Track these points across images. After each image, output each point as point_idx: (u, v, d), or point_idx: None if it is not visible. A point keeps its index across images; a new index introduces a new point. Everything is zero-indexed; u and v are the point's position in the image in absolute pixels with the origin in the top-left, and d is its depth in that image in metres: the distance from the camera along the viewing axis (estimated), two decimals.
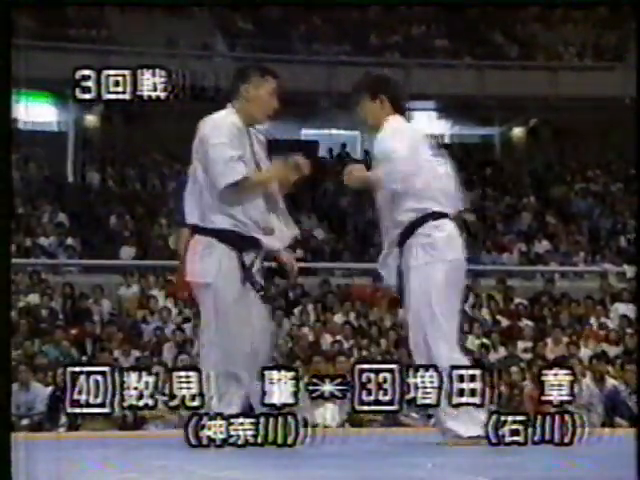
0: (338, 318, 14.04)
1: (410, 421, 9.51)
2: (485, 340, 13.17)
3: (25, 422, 9.65)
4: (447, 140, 25.27)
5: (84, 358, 11.16)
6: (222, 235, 4.74)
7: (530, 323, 14.28)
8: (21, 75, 23.49)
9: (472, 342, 13.09)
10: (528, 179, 22.20)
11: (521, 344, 13.35)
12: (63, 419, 9.68)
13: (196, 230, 4.81)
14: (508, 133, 24.00)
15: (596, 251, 18.87)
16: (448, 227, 5.10)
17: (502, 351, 13.02)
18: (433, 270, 4.99)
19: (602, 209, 20.58)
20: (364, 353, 12.49)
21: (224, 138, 4.76)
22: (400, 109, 5.18)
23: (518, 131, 23.91)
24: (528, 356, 12.66)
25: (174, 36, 22.09)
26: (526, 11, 23.87)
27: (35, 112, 22.44)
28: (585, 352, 12.70)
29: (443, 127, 25.17)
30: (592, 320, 14.66)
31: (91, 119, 21.89)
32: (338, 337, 13.02)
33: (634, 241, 17.22)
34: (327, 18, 23.97)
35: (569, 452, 4.39)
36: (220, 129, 4.78)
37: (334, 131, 22.41)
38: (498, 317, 14.46)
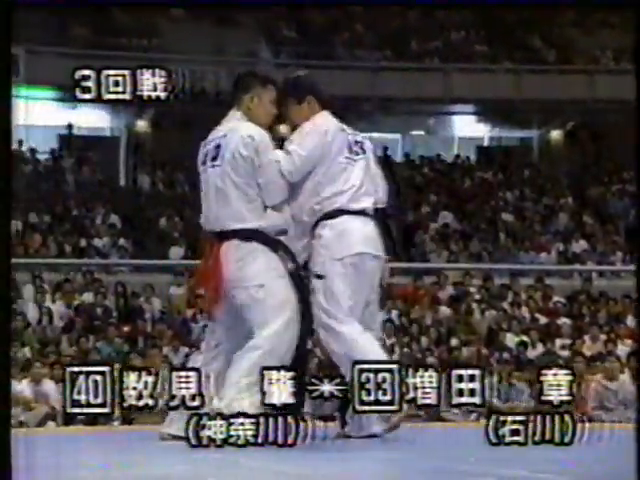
0: (379, 316, 13.99)
1: (451, 416, 9.48)
2: (524, 337, 13.09)
3: (81, 416, 9.71)
4: (486, 143, 25.16)
5: (135, 354, 11.21)
6: (263, 238, 4.70)
7: (568, 321, 14.17)
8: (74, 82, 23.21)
9: (511, 339, 13.02)
10: (566, 180, 22.04)
11: (559, 341, 13.25)
12: (117, 413, 9.75)
13: (230, 236, 4.74)
14: (546, 136, 23.82)
15: (632, 251, 18.66)
16: (346, 224, 4.91)
17: (540, 348, 12.94)
18: (326, 269, 4.85)
19: (638, 209, 20.35)
20: (405, 350, 12.46)
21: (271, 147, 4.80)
22: (328, 105, 5.08)
23: (556, 134, 23.74)
24: (566, 353, 12.57)
25: (222, 44, 22.19)
26: (564, 16, 23.69)
27: (88, 118, 22.65)
28: (623, 349, 12.58)
29: (482, 130, 25.06)
30: (629, 318, 14.52)
31: (142, 124, 22.04)
32: (380, 335, 12.98)
33: None
34: (369, 25, 23.94)
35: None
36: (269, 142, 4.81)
37: (376, 134, 22.34)
38: (537, 315, 14.36)
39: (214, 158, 4.80)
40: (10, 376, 2.52)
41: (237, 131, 4.78)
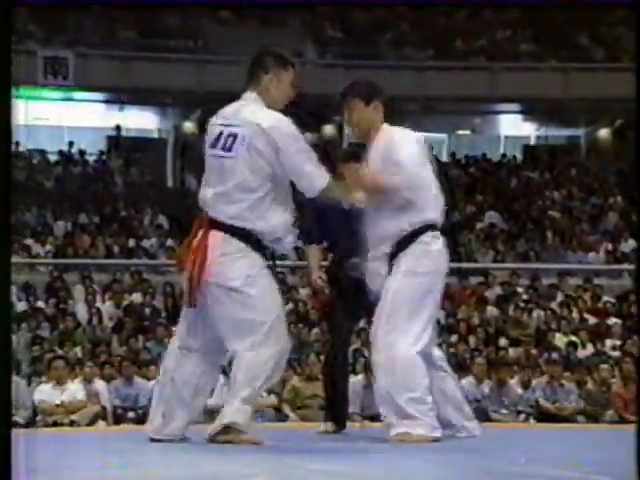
0: None
1: (500, 417, 9.44)
2: (573, 338, 12.98)
3: (131, 415, 9.81)
4: (533, 142, 25.00)
5: None
6: (255, 241, 4.49)
7: (618, 321, 14.03)
8: (123, 84, 23.87)
9: (560, 340, 12.92)
10: (614, 179, 21.82)
11: (609, 342, 13.13)
12: None
13: (223, 228, 4.52)
14: (594, 134, 23.62)
15: None
16: (441, 239, 4.98)
17: (590, 349, 12.83)
18: (422, 279, 4.84)
19: (638, 210, 20.10)
20: (452, 350, 12.41)
21: (302, 138, 4.53)
22: (389, 116, 5.03)
23: (604, 132, 23.53)
24: (616, 354, 12.44)
25: (267, 44, 22.22)
26: (612, 14, 23.47)
27: (136, 120, 22.85)
28: None
29: (529, 129, 24.90)
30: None
31: (189, 126, 22.18)
32: None
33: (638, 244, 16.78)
34: (414, 24, 23.89)
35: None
36: (294, 130, 4.51)
37: (421, 134, 22.32)
38: (586, 315, 14.24)
39: (229, 149, 4.49)
40: (11, 374, 2.53)
41: (255, 122, 4.47)
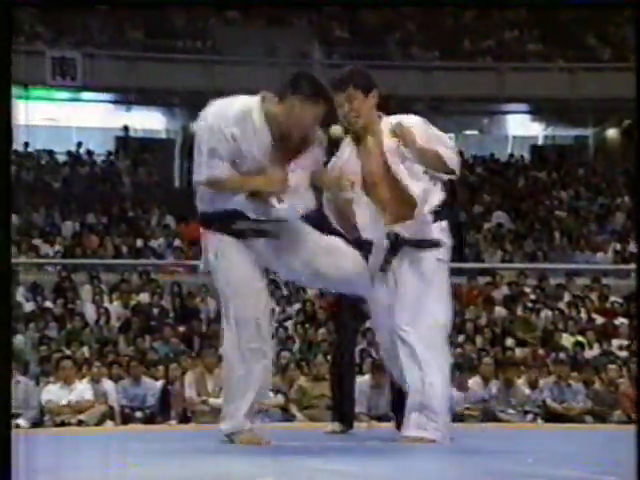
0: None
1: (508, 417, 9.42)
2: (580, 338, 12.96)
3: (138, 415, 9.82)
4: (541, 142, 24.96)
5: (192, 354, 11.29)
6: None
7: (625, 321, 14.00)
8: (131, 85, 23.84)
9: (567, 340, 12.90)
10: (621, 179, 21.77)
11: (616, 342, 13.10)
12: (174, 412, 9.83)
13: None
14: (601, 134, 23.58)
15: None
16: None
17: (597, 349, 12.80)
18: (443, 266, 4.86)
19: (638, 211, 20.06)
20: (459, 350, 12.40)
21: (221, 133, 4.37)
22: (384, 103, 4.85)
23: (611, 132, 23.48)
24: (624, 354, 12.41)
25: (274, 45, 22.27)
26: (619, 14, 23.42)
27: (144, 120, 22.88)
28: None
29: (537, 129, 24.87)
30: None
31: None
32: None
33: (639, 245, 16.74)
34: (422, 24, 23.88)
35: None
36: (227, 119, 4.38)
37: None
38: (593, 315, 14.21)
39: None
40: (10, 374, 2.52)
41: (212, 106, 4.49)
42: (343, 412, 5.81)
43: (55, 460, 3.92)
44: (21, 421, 8.42)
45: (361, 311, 5.69)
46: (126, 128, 22.36)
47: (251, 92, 4.62)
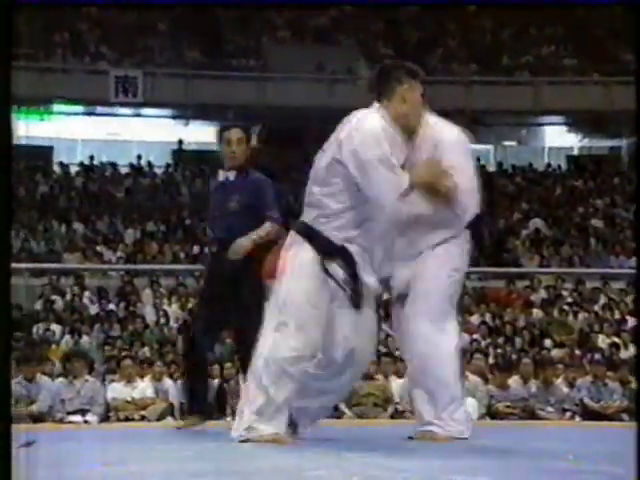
0: (475, 319, 13.89)
1: (547, 415, 9.32)
2: (615, 339, 12.80)
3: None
4: (576, 152, 24.72)
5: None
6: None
7: None
8: (188, 101, 23.97)
9: (603, 341, 12.75)
10: None
11: None
12: (229, 409, 9.86)
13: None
14: (635, 145, 23.29)
15: None
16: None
17: (632, 349, 12.64)
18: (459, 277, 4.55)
19: (638, 213, 19.74)
20: (499, 351, 12.31)
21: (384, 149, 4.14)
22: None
23: None
24: None
25: (321, 62, 22.30)
26: None
27: (200, 134, 23.03)
28: None
29: (572, 140, 24.64)
30: None
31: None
32: (475, 336, 12.87)
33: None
34: (462, 41, 23.79)
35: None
36: (377, 139, 4.15)
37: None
38: (627, 317, 14.04)
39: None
40: (10, 371, 2.51)
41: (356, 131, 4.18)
42: (199, 405, 5.56)
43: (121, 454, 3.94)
44: (89, 417, 8.50)
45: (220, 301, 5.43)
46: (180, 142, 22.52)
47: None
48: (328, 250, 4.15)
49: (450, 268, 4.48)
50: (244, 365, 5.05)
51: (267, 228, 5.52)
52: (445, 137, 4.46)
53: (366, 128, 4.17)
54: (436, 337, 4.46)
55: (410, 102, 4.32)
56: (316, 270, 4.15)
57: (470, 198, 4.44)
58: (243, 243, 5.47)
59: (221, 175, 5.82)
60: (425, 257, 4.44)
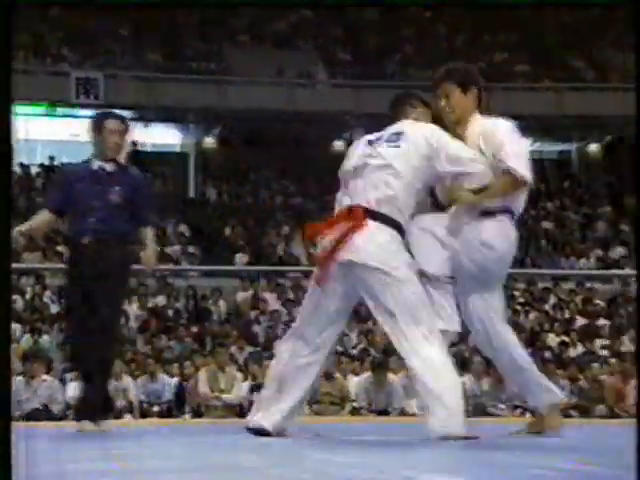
0: None
1: (497, 411, 9.40)
2: (565, 338, 12.94)
3: (155, 409, 9.81)
4: (528, 156, 24.95)
5: (205, 353, 11.28)
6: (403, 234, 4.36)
7: (607, 322, 13.99)
8: (149, 103, 23.82)
9: (552, 339, 12.88)
10: (604, 190, 21.77)
11: (598, 342, 13.08)
12: (188, 407, 9.82)
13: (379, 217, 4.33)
14: (585, 149, 23.58)
15: None
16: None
17: (580, 348, 12.79)
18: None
19: (638, 215, 20.06)
20: (453, 349, 12.38)
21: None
22: (481, 101, 4.64)
23: (593, 147, 23.47)
24: (605, 352, 12.40)
25: (281, 66, 22.29)
26: (602, 37, 23.45)
27: (161, 136, 22.90)
28: None
29: None
30: None
31: (210, 141, 22.24)
32: None
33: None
34: (418, 47, 23.91)
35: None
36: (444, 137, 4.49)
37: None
38: (577, 317, 14.20)
39: (392, 141, 4.44)
40: (10, 369, 2.49)
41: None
42: (92, 409, 5.28)
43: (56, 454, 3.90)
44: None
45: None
46: (143, 143, 22.39)
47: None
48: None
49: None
50: (75, 355, 5.11)
51: (151, 233, 5.48)
52: (488, 125, 4.55)
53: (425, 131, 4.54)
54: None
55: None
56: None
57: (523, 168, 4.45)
58: (153, 256, 5.47)
59: (95, 164, 5.57)
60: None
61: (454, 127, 4.57)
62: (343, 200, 4.51)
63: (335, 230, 4.38)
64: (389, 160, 4.41)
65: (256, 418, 4.50)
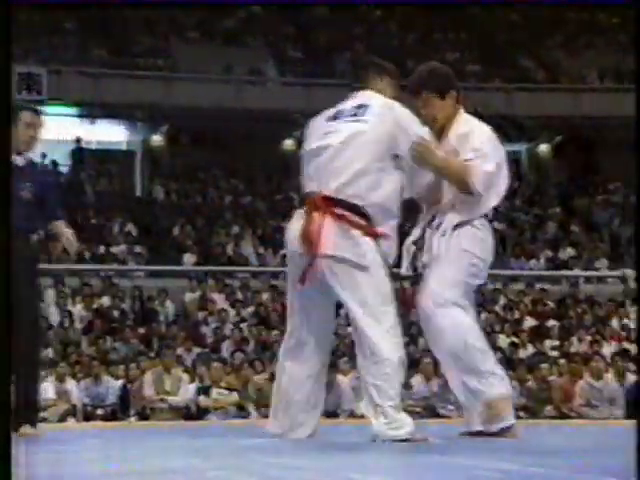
0: None
1: (447, 412, 9.46)
2: (515, 339, 13.07)
3: (99, 412, 9.72)
4: None
5: (151, 354, 11.21)
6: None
7: (557, 323, 14.16)
8: (95, 99, 23.63)
9: (503, 340, 13.00)
10: (554, 191, 22.03)
11: (548, 342, 13.24)
12: (133, 410, 9.74)
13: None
14: (535, 149, 23.85)
15: (617, 257, 18.67)
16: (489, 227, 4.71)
17: (530, 349, 12.92)
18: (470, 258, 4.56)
19: (622, 219, 20.36)
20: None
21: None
22: (459, 101, 4.58)
23: (544, 147, 23.74)
24: (555, 353, 12.55)
25: (230, 63, 22.21)
26: (552, 39, 23.74)
27: (107, 133, 22.69)
28: (607, 350, 12.56)
29: None
30: (614, 321, 14.51)
31: (157, 139, 22.07)
32: None
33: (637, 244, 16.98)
34: (368, 45, 23.98)
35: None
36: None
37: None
38: (527, 318, 14.35)
39: (354, 115, 4.32)
40: (10, 373, 2.48)
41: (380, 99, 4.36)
42: (32, 412, 5.18)
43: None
44: None
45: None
46: (88, 141, 22.16)
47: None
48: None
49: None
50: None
51: (63, 224, 5.50)
52: (473, 128, 4.53)
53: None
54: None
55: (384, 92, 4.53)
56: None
57: (489, 183, 4.47)
58: (72, 239, 5.48)
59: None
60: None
61: (438, 133, 4.54)
62: (306, 185, 4.38)
63: (302, 226, 4.26)
64: (350, 137, 4.27)
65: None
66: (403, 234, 4.59)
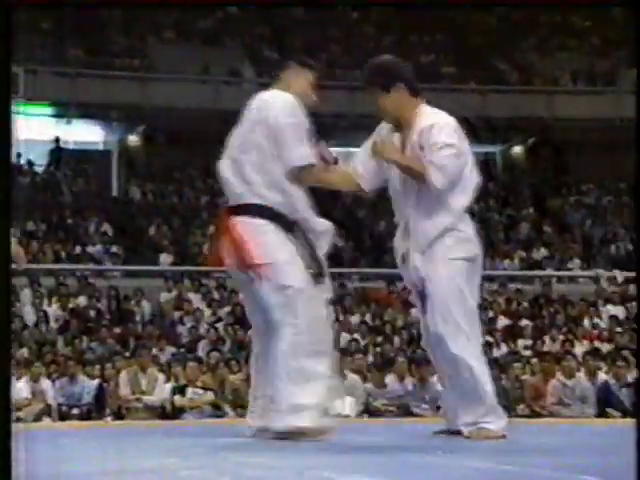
0: (355, 318, 14.04)
1: (421, 411, 9.49)
2: (488, 338, 13.13)
3: (75, 412, 9.67)
4: None
5: (127, 354, 11.17)
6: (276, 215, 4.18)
7: (530, 323, 14.23)
8: (71, 99, 23.55)
9: None
10: (527, 192, 22.14)
11: (521, 342, 13.31)
12: (109, 409, 9.70)
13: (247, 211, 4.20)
14: (508, 151, 23.96)
15: (589, 258, 18.79)
16: (471, 222, 4.66)
17: (504, 348, 12.99)
18: (461, 265, 4.51)
19: (594, 220, 20.51)
20: (378, 350, 12.47)
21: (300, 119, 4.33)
22: (416, 90, 4.51)
23: (518, 149, 23.86)
24: (528, 352, 12.62)
25: (207, 64, 22.16)
26: (526, 41, 23.85)
27: (83, 133, 22.57)
28: (579, 349, 12.65)
29: None
30: (586, 320, 14.60)
31: (133, 139, 21.98)
32: (355, 335, 13.02)
33: (634, 248, 17.15)
34: (345, 47, 24.01)
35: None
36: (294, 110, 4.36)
37: (352, 149, 22.42)
38: (500, 317, 14.42)
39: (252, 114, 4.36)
40: (10, 371, 2.49)
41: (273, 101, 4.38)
42: None
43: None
44: None
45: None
46: (65, 141, 22.03)
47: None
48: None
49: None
50: None
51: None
52: (437, 121, 4.47)
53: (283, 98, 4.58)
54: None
55: (294, 88, 4.62)
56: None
57: (451, 177, 4.42)
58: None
59: None
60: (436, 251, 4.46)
61: (395, 126, 4.49)
62: None
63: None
64: (243, 140, 4.31)
65: None
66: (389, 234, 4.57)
